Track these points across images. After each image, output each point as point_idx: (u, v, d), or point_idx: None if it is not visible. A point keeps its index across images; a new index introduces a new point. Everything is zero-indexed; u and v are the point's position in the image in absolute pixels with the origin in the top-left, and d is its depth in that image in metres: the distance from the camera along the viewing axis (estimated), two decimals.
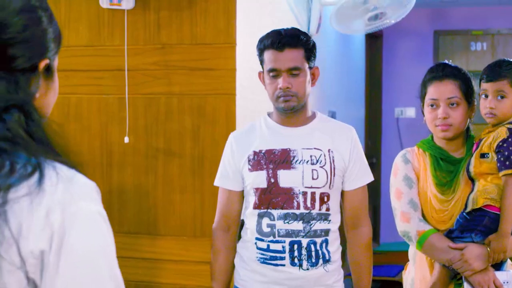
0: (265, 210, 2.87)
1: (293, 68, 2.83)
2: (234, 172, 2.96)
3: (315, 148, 2.88)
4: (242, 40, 3.74)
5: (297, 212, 2.83)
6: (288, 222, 2.83)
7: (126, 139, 3.80)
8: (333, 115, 6.03)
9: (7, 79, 1.25)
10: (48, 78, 1.35)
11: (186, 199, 3.78)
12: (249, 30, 3.86)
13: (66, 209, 1.20)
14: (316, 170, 2.85)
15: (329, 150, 2.89)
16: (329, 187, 2.87)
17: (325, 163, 2.86)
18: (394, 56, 8.45)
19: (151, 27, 3.81)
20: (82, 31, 3.90)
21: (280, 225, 2.84)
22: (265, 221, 2.86)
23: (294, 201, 2.83)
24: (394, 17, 4.39)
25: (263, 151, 2.90)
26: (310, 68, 2.89)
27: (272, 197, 2.85)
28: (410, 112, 8.21)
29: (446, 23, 8.40)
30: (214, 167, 3.69)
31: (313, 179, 2.84)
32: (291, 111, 2.88)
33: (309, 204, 2.84)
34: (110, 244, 1.26)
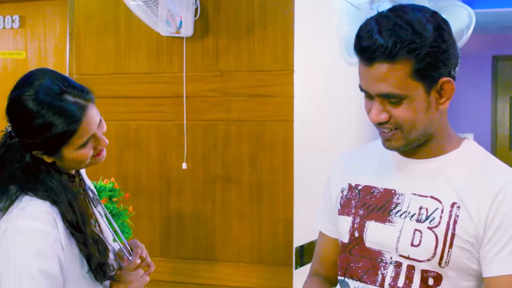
0: (342, 277, 1.91)
1: (386, 95, 1.75)
2: (329, 210, 2.03)
3: (431, 197, 1.78)
4: (300, 66, 3.75)
5: None
6: None
7: (184, 165, 3.83)
8: None
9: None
10: (54, 157, 2.00)
11: (243, 225, 3.77)
12: (307, 56, 3.86)
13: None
14: (420, 232, 1.76)
15: (453, 205, 1.76)
16: (439, 263, 1.74)
17: (439, 223, 1.75)
18: None
19: (209, 55, 3.84)
20: (142, 58, 3.95)
21: None
22: None
23: (379, 273, 1.81)
24: None
25: (360, 187, 1.92)
26: (429, 86, 1.79)
27: (352, 260, 1.88)
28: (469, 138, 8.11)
29: (505, 48, 8.32)
30: (271, 194, 3.69)
31: (412, 245, 1.76)
32: (398, 151, 1.87)
33: (400, 283, 1.78)
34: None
